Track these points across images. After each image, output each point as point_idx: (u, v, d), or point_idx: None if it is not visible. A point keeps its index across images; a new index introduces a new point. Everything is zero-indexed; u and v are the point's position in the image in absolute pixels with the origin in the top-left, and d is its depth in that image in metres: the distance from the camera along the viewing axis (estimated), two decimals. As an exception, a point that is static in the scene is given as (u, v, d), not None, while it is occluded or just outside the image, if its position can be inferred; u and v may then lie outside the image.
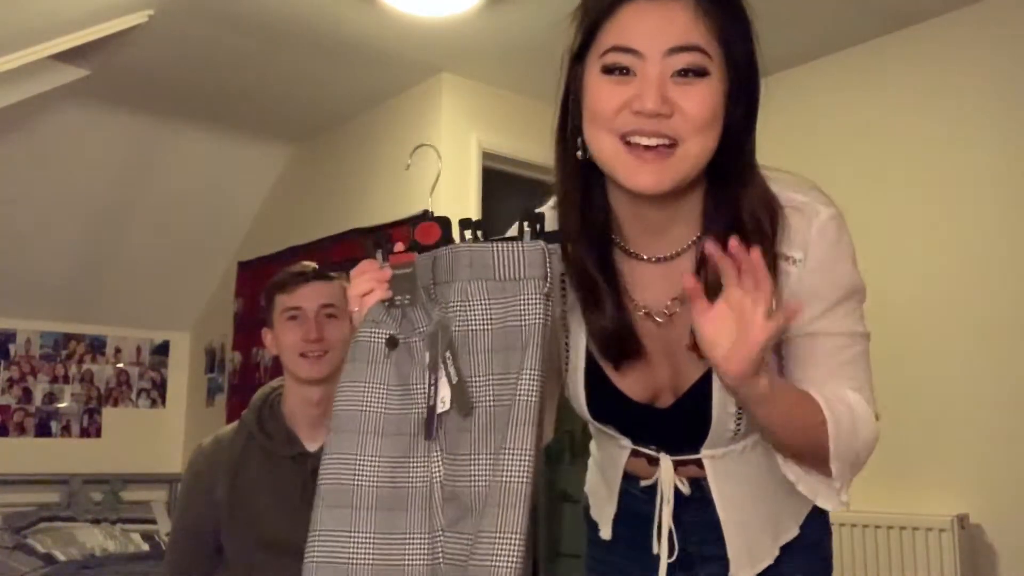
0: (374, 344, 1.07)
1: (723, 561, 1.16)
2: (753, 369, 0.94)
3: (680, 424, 1.13)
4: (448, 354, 1.01)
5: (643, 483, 1.19)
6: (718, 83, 1.02)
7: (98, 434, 4.95)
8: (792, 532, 1.17)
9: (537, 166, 3.79)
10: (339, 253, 4.15)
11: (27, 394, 4.79)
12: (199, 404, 5.10)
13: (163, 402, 5.21)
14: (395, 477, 1.03)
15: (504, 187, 4.02)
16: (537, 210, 1.18)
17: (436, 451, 1.03)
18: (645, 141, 1.01)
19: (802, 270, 1.06)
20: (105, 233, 4.56)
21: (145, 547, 4.22)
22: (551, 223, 1.11)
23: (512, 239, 1.02)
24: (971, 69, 3.14)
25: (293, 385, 1.87)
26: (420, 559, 1.01)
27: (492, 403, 0.99)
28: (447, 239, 1.07)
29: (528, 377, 0.97)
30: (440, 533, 1.01)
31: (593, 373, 1.15)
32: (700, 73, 1.01)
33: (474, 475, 0.98)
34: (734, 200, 1.07)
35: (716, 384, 1.08)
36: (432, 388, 1.02)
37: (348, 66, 3.71)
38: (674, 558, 1.15)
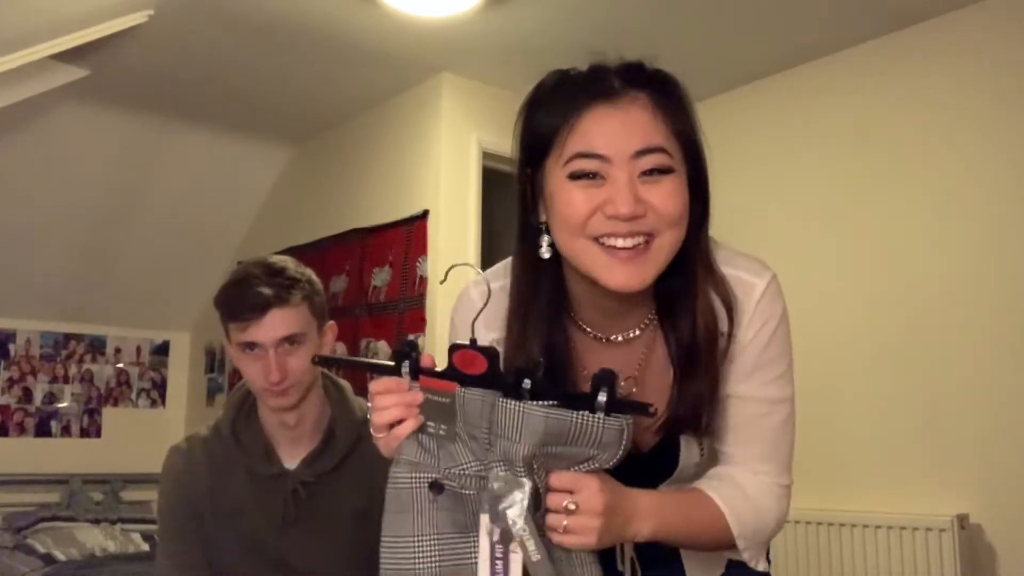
0: (416, 491, 0.97)
1: (671, 559, 1.21)
2: (610, 539, 0.99)
3: (639, 475, 1.15)
4: (524, 528, 0.92)
5: None
6: (681, 178, 1.06)
7: (98, 434, 4.95)
8: None
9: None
10: (339, 253, 4.15)
11: (27, 394, 4.79)
12: (199, 404, 5.10)
13: (163, 402, 5.22)
14: None
15: (504, 187, 4.02)
16: (459, 297, 1.22)
17: None
18: (621, 243, 1.03)
19: (734, 344, 1.11)
20: (105, 233, 4.56)
21: (145, 547, 4.22)
22: (493, 304, 1.13)
23: (582, 400, 0.94)
24: (971, 69, 3.14)
25: (265, 406, 1.72)
26: None
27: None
28: (494, 374, 0.98)
29: (589, 565, 0.98)
30: None
31: None
32: (665, 171, 1.04)
33: None
34: (693, 289, 1.10)
35: (683, 443, 1.14)
36: (501, 563, 0.93)
37: (348, 66, 3.71)
38: None
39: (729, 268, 1.12)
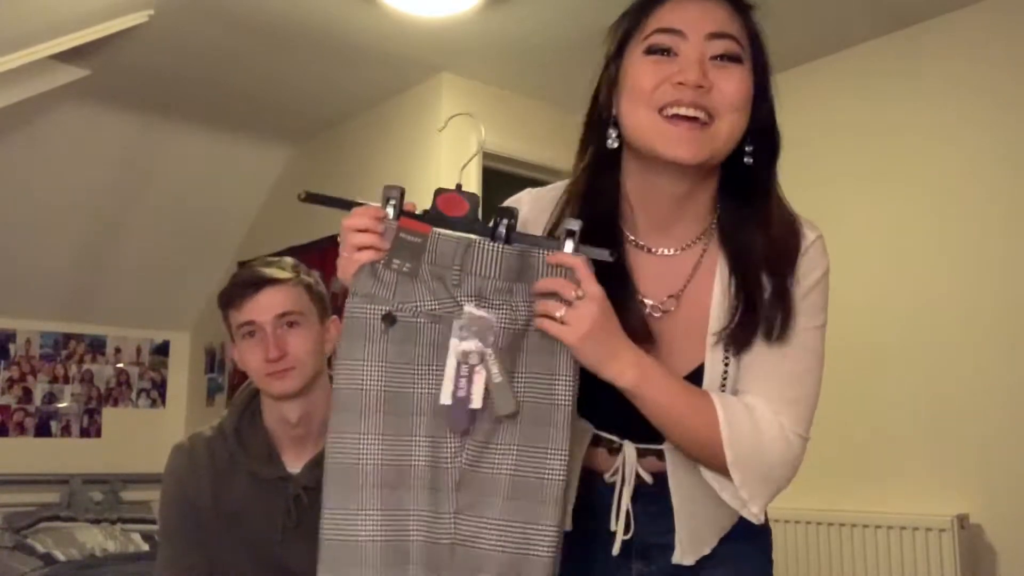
0: (370, 320, 1.05)
1: (664, 530, 1.19)
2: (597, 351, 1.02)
3: None
4: (491, 353, 1.01)
5: (607, 477, 1.20)
6: (749, 71, 1.12)
7: (98, 434, 4.95)
8: (731, 522, 1.21)
9: (537, 166, 3.78)
10: (339, 254, 4.15)
11: (27, 394, 4.79)
12: (199, 404, 5.10)
13: (163, 402, 5.21)
14: (398, 455, 1.04)
15: (504, 187, 4.02)
16: (507, 204, 1.23)
17: (448, 436, 1.04)
18: (684, 111, 1.07)
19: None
20: (105, 233, 4.55)
21: (145, 547, 4.22)
22: (536, 214, 1.19)
23: (552, 241, 1.05)
24: (971, 69, 3.14)
25: (269, 401, 1.70)
26: (421, 536, 1.03)
27: (524, 400, 1.04)
28: (474, 218, 1.05)
29: (563, 383, 1.04)
30: (450, 516, 1.03)
31: None
32: (735, 59, 1.11)
33: (497, 464, 1.04)
34: (767, 212, 1.14)
35: (705, 378, 1.13)
36: (465, 380, 1.02)
37: (348, 66, 3.71)
38: (630, 535, 1.17)
39: None
